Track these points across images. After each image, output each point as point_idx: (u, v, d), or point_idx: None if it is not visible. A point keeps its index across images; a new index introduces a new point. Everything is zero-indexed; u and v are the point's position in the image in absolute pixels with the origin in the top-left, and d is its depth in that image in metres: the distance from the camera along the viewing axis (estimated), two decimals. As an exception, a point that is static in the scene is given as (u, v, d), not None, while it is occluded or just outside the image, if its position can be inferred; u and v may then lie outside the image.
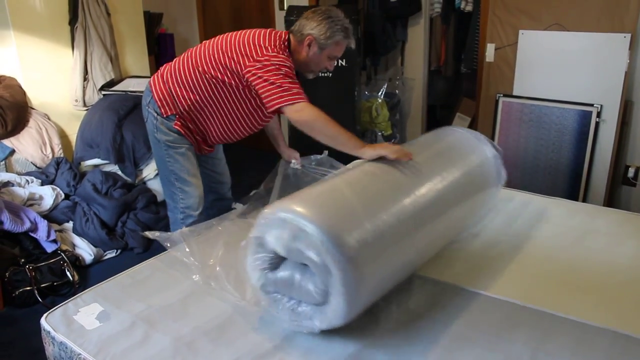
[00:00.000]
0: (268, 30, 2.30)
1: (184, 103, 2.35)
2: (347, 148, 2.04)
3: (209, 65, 2.28)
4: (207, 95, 2.33)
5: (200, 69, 2.30)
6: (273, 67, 2.14)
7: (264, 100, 2.17)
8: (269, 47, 2.19)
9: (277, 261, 1.63)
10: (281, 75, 2.13)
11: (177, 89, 2.35)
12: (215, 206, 2.81)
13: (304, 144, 2.84)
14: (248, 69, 2.19)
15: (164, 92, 2.37)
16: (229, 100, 2.33)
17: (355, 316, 1.59)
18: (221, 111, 2.37)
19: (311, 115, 2.08)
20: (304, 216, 1.50)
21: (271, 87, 2.13)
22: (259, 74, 2.16)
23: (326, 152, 2.75)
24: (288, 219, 1.52)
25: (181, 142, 2.43)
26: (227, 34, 2.35)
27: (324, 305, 1.56)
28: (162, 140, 2.43)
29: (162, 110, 2.37)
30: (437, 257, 2.02)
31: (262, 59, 2.17)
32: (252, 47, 2.21)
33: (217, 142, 2.53)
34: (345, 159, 2.85)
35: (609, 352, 1.55)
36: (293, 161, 2.65)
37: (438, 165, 2.00)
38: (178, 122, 2.39)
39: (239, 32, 2.32)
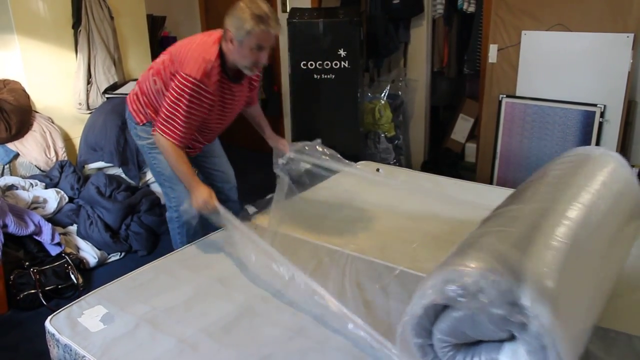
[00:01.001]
0: (209, 38, 2.24)
1: (147, 110, 2.43)
2: (184, 183, 2.32)
3: (159, 65, 2.35)
4: (158, 96, 2.38)
5: (152, 70, 2.38)
6: (178, 92, 2.17)
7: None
8: (195, 66, 2.16)
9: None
10: (177, 105, 2.17)
11: (141, 95, 2.44)
12: None
13: (305, 135, 2.79)
14: (173, 77, 2.23)
15: (135, 102, 2.47)
16: None
17: None
18: None
19: (164, 148, 2.25)
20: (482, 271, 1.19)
21: (164, 106, 2.21)
22: (171, 88, 2.20)
23: (318, 140, 2.70)
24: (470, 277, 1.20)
25: None
26: (184, 39, 2.37)
27: None
28: (145, 145, 2.49)
29: (138, 120, 2.46)
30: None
31: (180, 78, 2.17)
32: (184, 59, 2.20)
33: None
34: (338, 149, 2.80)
35: None
36: (280, 160, 2.63)
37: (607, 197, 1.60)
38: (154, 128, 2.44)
39: (191, 38, 2.31)
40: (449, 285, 1.21)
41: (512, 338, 1.22)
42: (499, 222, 1.46)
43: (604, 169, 1.72)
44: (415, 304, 1.29)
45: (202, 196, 2.20)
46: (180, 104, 2.17)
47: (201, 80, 2.15)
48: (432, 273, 1.28)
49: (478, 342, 1.29)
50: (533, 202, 1.54)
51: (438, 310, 1.28)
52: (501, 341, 1.24)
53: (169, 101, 2.20)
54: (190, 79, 2.14)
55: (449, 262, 1.27)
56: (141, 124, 2.46)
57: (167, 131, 2.21)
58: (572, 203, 1.48)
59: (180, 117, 2.19)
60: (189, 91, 2.15)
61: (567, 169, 1.75)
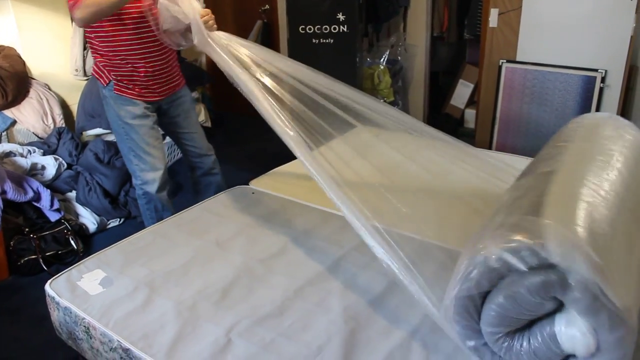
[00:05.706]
0: None
1: (100, 64, 2.39)
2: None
3: None
4: (98, 40, 2.35)
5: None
6: None
7: None
8: None
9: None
10: None
11: (93, 54, 2.42)
12: (201, 182, 2.81)
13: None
14: None
15: (94, 65, 2.43)
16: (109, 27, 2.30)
17: None
18: (111, 38, 2.33)
19: (81, 15, 2.12)
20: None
21: None
22: None
23: None
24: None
25: (130, 108, 2.42)
26: None
27: None
28: (113, 115, 2.44)
29: (102, 81, 2.40)
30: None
31: None
32: None
33: (143, 72, 2.40)
34: None
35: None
36: None
37: None
38: (115, 85, 2.39)
39: None
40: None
41: (561, 307, 1.20)
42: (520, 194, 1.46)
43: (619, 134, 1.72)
44: (459, 288, 1.27)
45: None
46: None
47: None
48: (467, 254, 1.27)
49: (530, 324, 1.25)
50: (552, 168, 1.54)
51: (479, 301, 1.27)
52: (551, 314, 1.22)
53: None
54: None
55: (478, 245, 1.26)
56: (106, 84, 2.39)
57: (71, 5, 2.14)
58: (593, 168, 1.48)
59: None
60: None
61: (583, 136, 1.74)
